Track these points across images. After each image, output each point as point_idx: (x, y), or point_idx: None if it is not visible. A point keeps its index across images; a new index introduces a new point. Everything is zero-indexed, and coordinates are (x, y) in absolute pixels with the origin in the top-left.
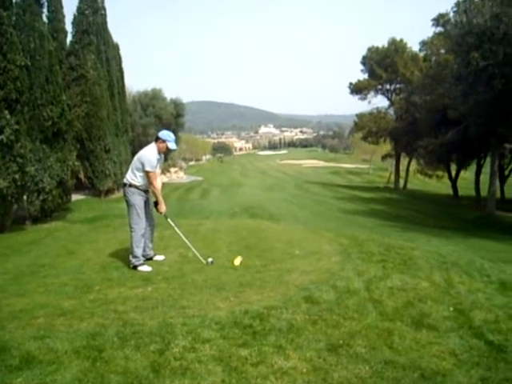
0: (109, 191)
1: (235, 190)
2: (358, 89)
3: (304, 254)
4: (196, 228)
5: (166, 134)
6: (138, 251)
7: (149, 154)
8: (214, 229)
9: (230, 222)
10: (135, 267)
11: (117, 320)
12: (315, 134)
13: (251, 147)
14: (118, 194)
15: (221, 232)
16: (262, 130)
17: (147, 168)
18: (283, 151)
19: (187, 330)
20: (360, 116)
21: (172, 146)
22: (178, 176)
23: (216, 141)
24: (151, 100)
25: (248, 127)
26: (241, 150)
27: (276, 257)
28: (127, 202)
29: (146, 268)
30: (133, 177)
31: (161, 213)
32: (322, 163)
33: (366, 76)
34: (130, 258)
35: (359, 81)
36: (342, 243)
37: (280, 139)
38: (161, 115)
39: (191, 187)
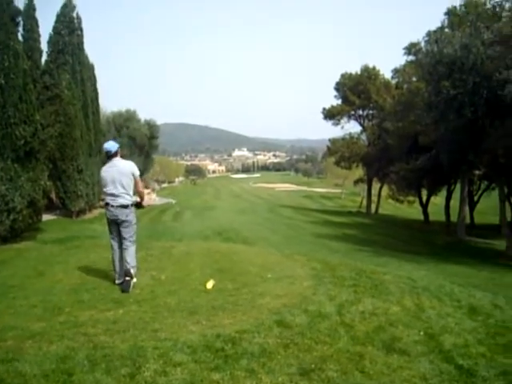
0: (80, 212)
1: (208, 213)
2: (331, 114)
3: (277, 278)
4: (169, 250)
5: (112, 145)
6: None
7: (132, 163)
8: (186, 251)
9: (202, 244)
10: (132, 277)
11: (87, 343)
12: (288, 158)
13: (225, 170)
14: (90, 215)
15: (194, 255)
16: (236, 153)
17: (138, 173)
18: (256, 174)
19: (159, 353)
20: (333, 141)
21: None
22: (150, 198)
23: (189, 163)
24: (125, 121)
25: (222, 150)
26: (214, 172)
27: (249, 280)
28: (126, 221)
29: (135, 279)
30: (131, 195)
31: (141, 205)
32: (294, 187)
33: (339, 102)
34: (132, 269)
35: (332, 106)
36: (315, 267)
37: (253, 162)
38: (135, 136)
39: (164, 209)
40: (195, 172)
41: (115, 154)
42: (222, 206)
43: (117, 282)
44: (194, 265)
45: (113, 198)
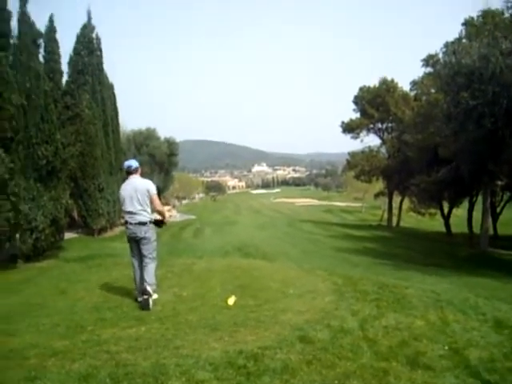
0: (102, 230)
1: (228, 229)
2: (350, 128)
3: (298, 294)
4: (190, 267)
5: (132, 161)
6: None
7: (148, 181)
8: (207, 268)
9: (223, 261)
10: (151, 295)
11: (109, 361)
12: (308, 173)
13: (244, 186)
14: (111, 233)
15: (214, 271)
16: (255, 168)
17: (155, 191)
18: (276, 190)
19: (181, 370)
20: (352, 154)
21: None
22: (171, 215)
23: (209, 179)
24: (145, 139)
25: (241, 166)
26: (234, 188)
27: (270, 296)
28: (145, 239)
29: (156, 296)
30: (148, 212)
31: (161, 222)
32: (315, 201)
33: (358, 115)
34: (148, 287)
35: (351, 120)
36: (336, 282)
37: (273, 178)
38: (154, 154)
39: (184, 226)
40: (215, 188)
41: (135, 171)
42: (242, 222)
43: (138, 299)
44: (214, 281)
45: (131, 215)
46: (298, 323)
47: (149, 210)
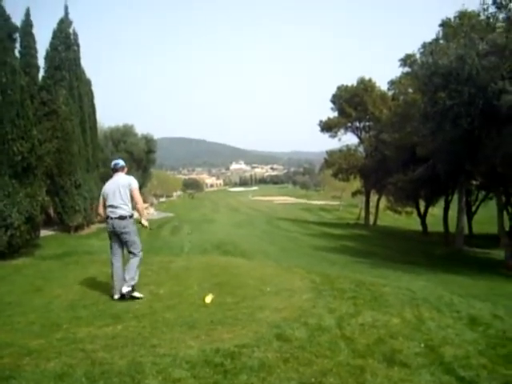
0: (78, 227)
1: (206, 227)
2: (328, 126)
3: (276, 291)
4: (167, 265)
5: (119, 160)
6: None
7: (131, 177)
8: (185, 266)
9: (201, 258)
10: (132, 291)
11: (85, 359)
12: (286, 171)
13: (222, 183)
14: (88, 230)
15: (192, 269)
16: (233, 166)
17: (136, 185)
18: (254, 188)
19: (157, 369)
20: (330, 153)
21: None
22: (148, 212)
23: (187, 177)
24: (123, 136)
25: (219, 163)
26: (212, 186)
27: (248, 294)
28: (125, 233)
29: (138, 294)
30: (129, 207)
31: (145, 226)
32: (293, 200)
33: (335, 114)
34: (130, 281)
35: (329, 118)
36: (314, 280)
37: (251, 176)
38: (132, 151)
39: (161, 223)
40: (193, 186)
41: (121, 169)
42: (220, 220)
43: (115, 297)
44: (192, 279)
45: (112, 209)
46: (275, 321)
47: (130, 205)
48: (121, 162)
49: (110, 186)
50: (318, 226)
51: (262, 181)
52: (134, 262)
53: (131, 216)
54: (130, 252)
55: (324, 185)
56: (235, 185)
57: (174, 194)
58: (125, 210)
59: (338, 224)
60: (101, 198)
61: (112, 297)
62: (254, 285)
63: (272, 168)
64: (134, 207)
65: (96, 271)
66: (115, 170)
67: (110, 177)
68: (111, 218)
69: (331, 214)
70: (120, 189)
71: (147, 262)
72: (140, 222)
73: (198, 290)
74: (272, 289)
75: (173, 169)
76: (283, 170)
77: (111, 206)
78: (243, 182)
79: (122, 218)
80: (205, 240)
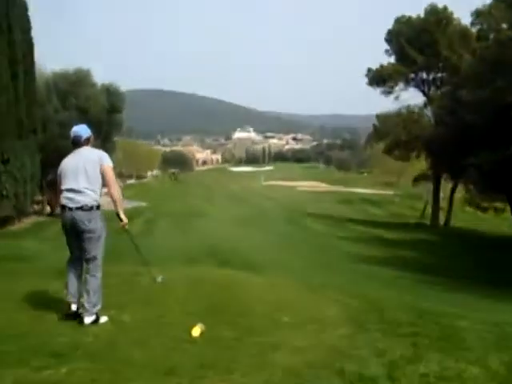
0: (7, 220)
1: (195, 224)
2: (380, 78)
3: (297, 323)
4: (136, 279)
5: (83, 128)
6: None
7: (103, 152)
8: (162, 281)
9: (186, 271)
10: (96, 320)
11: None
12: (316, 143)
13: (220, 160)
14: (20, 226)
15: (173, 286)
16: (238, 135)
17: (110, 163)
18: (268, 167)
19: None
20: (382, 118)
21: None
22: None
23: (168, 149)
24: (74, 86)
25: (217, 130)
26: (205, 163)
27: (255, 325)
28: (89, 232)
29: (104, 319)
30: (98, 193)
31: (124, 226)
32: (325, 186)
33: (392, 59)
34: (89, 306)
35: (382, 66)
36: (354, 307)
37: (264, 149)
38: (87, 109)
39: (129, 217)
40: (177, 163)
41: (85, 142)
42: (215, 214)
43: (73, 307)
44: (173, 301)
45: (71, 195)
46: (295, 366)
47: (99, 191)
48: (84, 133)
49: (69, 163)
50: (362, 226)
51: (281, 157)
52: (98, 278)
53: (98, 207)
54: (88, 261)
55: (372, 165)
56: (240, 162)
57: (149, 173)
58: (91, 197)
59: (393, 224)
60: (58, 180)
61: (66, 314)
62: (265, 312)
63: (295, 139)
64: (109, 194)
65: (32, 287)
66: (76, 142)
67: (67, 152)
68: (69, 209)
69: (382, 209)
70: (86, 166)
71: (106, 274)
72: (118, 216)
73: (182, 318)
74: (291, 319)
75: (148, 137)
76: (312, 141)
77: (70, 191)
78: (252, 159)
79: (85, 208)
80: (193, 244)
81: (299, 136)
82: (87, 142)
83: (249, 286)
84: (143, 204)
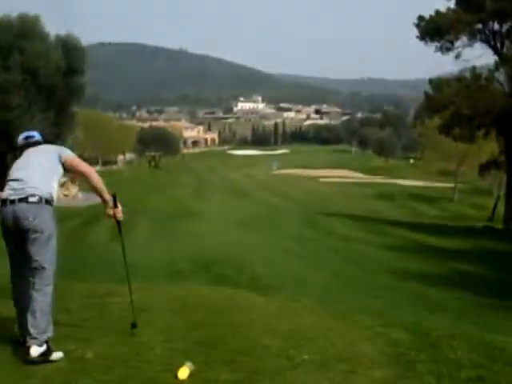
0: None
1: (183, 226)
2: (435, 29)
3: (319, 362)
4: (102, 301)
5: (34, 132)
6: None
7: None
8: (138, 304)
9: (171, 290)
10: (47, 353)
11: None
12: (347, 118)
13: (217, 140)
14: None
15: (153, 311)
16: (241, 105)
17: (71, 153)
18: (282, 150)
19: None
20: (438, 84)
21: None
22: (67, 195)
23: (147, 125)
24: (18, 38)
25: (212, 100)
26: (196, 144)
27: (263, 365)
28: (37, 231)
29: (58, 354)
30: (50, 185)
31: (114, 216)
32: (358, 177)
33: (451, 4)
34: (35, 332)
35: (439, 13)
36: (397, 341)
37: (276, 126)
38: (36, 69)
39: (94, 217)
40: (158, 143)
41: (38, 142)
42: (209, 213)
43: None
44: (152, 331)
45: (15, 184)
46: None
47: (54, 184)
48: (38, 135)
49: (19, 161)
50: (408, 230)
51: (299, 136)
52: (43, 303)
53: (50, 202)
54: (35, 270)
55: (423, 148)
56: (243, 144)
57: (121, 158)
58: (40, 187)
59: (451, 228)
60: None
61: (22, 342)
62: (276, 347)
63: (319, 112)
64: (88, 182)
65: None
66: (27, 144)
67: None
68: (11, 202)
69: (436, 208)
70: (39, 158)
71: (64, 295)
72: (104, 203)
73: (164, 355)
74: (312, 356)
75: (120, 108)
76: (341, 115)
77: (15, 181)
78: (260, 139)
79: (31, 200)
80: (179, 253)
81: (324, 108)
82: (40, 142)
83: (254, 312)
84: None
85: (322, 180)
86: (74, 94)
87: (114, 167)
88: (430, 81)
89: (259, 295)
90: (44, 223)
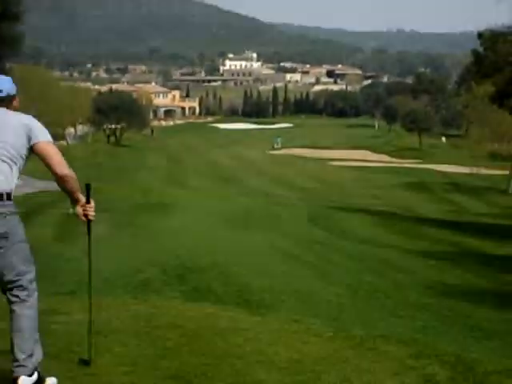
0: None
1: (152, 223)
2: None
3: None
4: (45, 321)
5: (5, 80)
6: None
7: (31, 118)
8: (93, 326)
9: (134, 306)
10: (39, 382)
11: None
12: (368, 82)
13: (198, 110)
14: None
15: (111, 334)
16: (231, 64)
17: (47, 137)
18: (283, 124)
19: None
20: (490, 39)
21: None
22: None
23: (106, 88)
24: None
25: (191, 56)
26: (171, 115)
27: None
28: (9, 237)
29: (52, 381)
30: (13, 179)
31: (87, 211)
32: (382, 159)
33: None
34: (23, 357)
35: None
36: (432, 377)
37: (275, 91)
38: None
39: (33, 209)
40: (120, 112)
41: (6, 102)
42: (187, 205)
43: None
44: (110, 361)
45: None
46: None
47: (15, 176)
48: (7, 85)
49: None
50: (446, 231)
51: (304, 106)
52: (30, 317)
53: (10, 196)
54: (10, 291)
55: (468, 123)
56: (232, 114)
57: (70, 131)
58: (6, 182)
59: (506, 227)
60: None
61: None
62: (274, 383)
63: (332, 74)
64: (59, 179)
65: None
66: None
67: None
68: None
69: (485, 202)
70: (5, 137)
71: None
72: (74, 202)
73: None
74: None
75: (68, 66)
76: (362, 79)
77: None
78: (254, 109)
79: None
80: (146, 257)
81: (339, 69)
82: (9, 102)
83: (242, 336)
84: (58, 188)
85: (334, 163)
86: (8, 45)
87: (62, 143)
88: (480, 35)
89: (250, 315)
90: (16, 229)
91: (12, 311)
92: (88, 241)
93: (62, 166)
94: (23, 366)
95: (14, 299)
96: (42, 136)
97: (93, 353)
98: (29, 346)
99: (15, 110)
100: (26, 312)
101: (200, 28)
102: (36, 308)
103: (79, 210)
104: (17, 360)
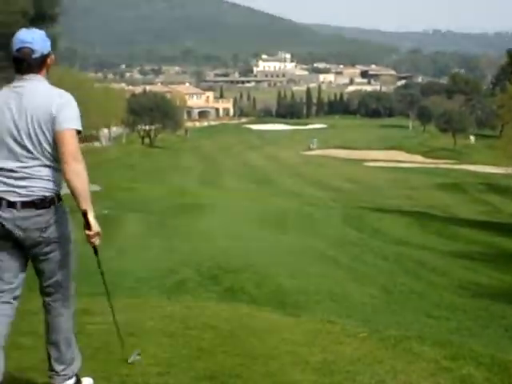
0: None
1: (186, 224)
2: None
3: None
4: (78, 322)
5: (34, 34)
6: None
7: (63, 94)
8: (125, 326)
9: (168, 307)
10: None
11: None
12: (403, 83)
13: (232, 111)
14: None
15: (144, 335)
16: (264, 65)
17: (73, 124)
18: (318, 125)
19: None
20: None
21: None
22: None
23: (140, 89)
24: None
25: (226, 57)
26: (205, 116)
27: None
28: (51, 243)
29: (89, 381)
30: (57, 174)
31: (95, 236)
32: (416, 160)
33: None
34: (62, 368)
35: None
36: (467, 378)
37: (309, 91)
38: None
39: (70, 209)
40: (154, 113)
41: (39, 65)
42: (222, 206)
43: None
44: (144, 362)
45: (7, 179)
46: None
47: (59, 173)
48: (41, 43)
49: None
50: (482, 232)
51: (338, 106)
52: (66, 327)
53: (60, 197)
54: (47, 294)
55: (504, 123)
56: (266, 115)
57: (105, 132)
58: (44, 182)
59: None
60: None
61: None
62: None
63: (367, 74)
64: (65, 180)
65: None
66: (21, 62)
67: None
68: (10, 204)
69: None
70: (29, 127)
71: (28, 311)
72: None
73: None
74: None
75: (103, 67)
76: (396, 80)
77: (10, 171)
78: (288, 110)
79: (39, 204)
80: (180, 258)
81: (373, 69)
82: (42, 64)
83: (277, 337)
84: (94, 188)
85: (368, 164)
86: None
87: (96, 145)
88: None
89: (285, 315)
90: (61, 230)
91: (48, 323)
92: (99, 267)
93: (71, 163)
94: (62, 376)
95: (50, 304)
96: (67, 122)
97: (125, 353)
98: (67, 356)
99: (48, 68)
100: (64, 318)
101: (233, 29)
102: (72, 317)
103: (86, 232)
104: (55, 371)
